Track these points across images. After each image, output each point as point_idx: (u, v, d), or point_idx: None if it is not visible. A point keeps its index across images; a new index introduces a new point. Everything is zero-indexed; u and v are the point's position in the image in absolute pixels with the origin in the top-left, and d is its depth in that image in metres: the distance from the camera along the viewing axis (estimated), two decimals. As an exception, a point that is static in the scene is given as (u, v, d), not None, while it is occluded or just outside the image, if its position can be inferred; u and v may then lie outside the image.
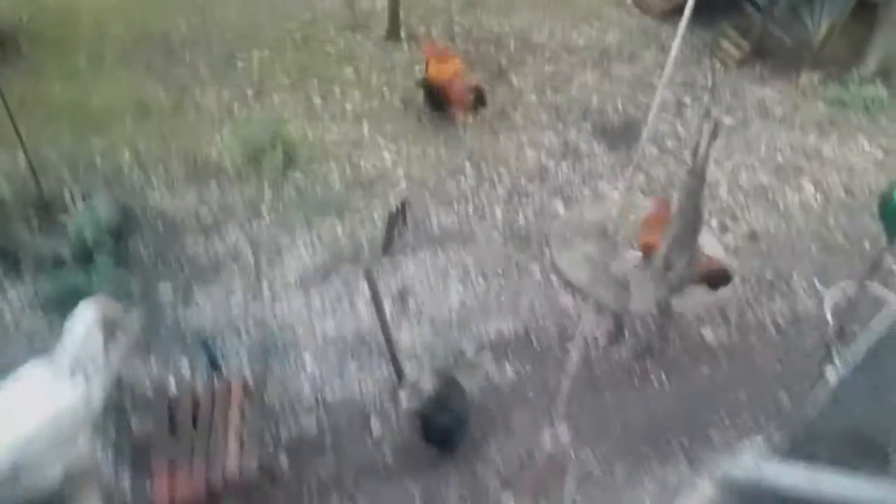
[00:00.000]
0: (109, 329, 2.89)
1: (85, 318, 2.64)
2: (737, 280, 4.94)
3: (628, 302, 4.11)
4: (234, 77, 6.26)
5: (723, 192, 5.60)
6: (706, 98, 3.37)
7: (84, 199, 4.82)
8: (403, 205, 3.58)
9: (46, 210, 4.69)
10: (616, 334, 4.44)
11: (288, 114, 5.92)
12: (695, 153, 3.58)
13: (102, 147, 5.50)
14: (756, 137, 6.16)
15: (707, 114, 3.41)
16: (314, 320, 4.51)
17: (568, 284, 4.80)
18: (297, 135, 5.63)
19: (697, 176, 3.61)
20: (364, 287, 4.66)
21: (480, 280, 4.81)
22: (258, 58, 6.48)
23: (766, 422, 4.15)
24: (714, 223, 5.24)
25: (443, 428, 3.75)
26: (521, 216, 5.28)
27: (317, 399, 4.13)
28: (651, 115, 4.29)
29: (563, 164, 5.74)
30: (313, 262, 4.84)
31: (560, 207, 5.38)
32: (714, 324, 4.70)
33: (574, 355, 3.79)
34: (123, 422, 3.25)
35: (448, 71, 5.72)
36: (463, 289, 4.75)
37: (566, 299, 4.73)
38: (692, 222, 3.76)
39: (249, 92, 6.10)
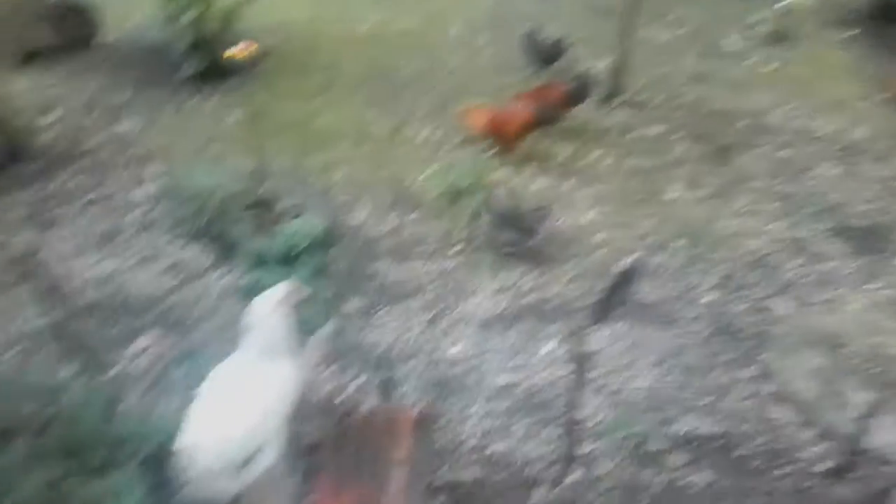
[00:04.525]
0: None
1: (278, 305, 2.58)
2: None
3: (865, 434, 3.37)
4: (448, 120, 6.38)
5: None
6: None
7: (295, 210, 5.07)
8: (634, 268, 3.24)
9: (261, 215, 4.97)
10: (845, 466, 3.66)
11: (494, 161, 5.87)
12: None
13: (319, 165, 5.80)
14: None
15: None
16: (487, 369, 4.24)
17: (786, 397, 4.10)
18: (498, 182, 5.54)
19: None
20: (543, 346, 4.36)
21: (676, 370, 4.27)
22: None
23: None
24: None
25: None
26: (733, 309, 4.67)
27: (478, 453, 3.80)
28: None
29: (793, 261, 5.06)
30: (495, 309, 4.61)
31: (783, 308, 4.68)
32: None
33: None
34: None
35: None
36: (655, 374, 4.24)
37: (780, 412, 4.03)
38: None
39: (459, 136, 6.16)
